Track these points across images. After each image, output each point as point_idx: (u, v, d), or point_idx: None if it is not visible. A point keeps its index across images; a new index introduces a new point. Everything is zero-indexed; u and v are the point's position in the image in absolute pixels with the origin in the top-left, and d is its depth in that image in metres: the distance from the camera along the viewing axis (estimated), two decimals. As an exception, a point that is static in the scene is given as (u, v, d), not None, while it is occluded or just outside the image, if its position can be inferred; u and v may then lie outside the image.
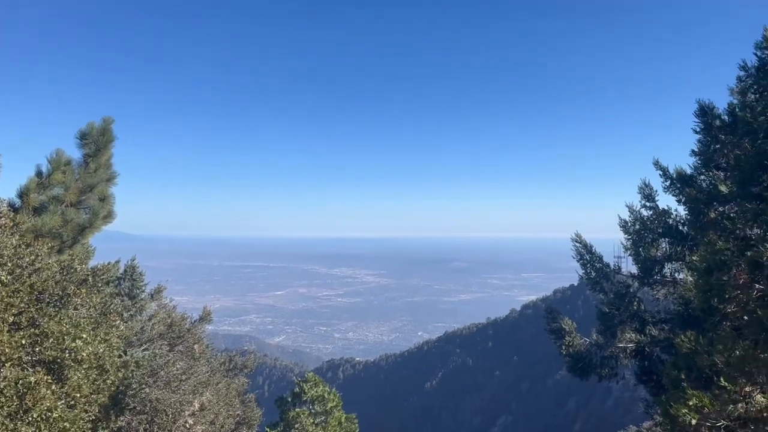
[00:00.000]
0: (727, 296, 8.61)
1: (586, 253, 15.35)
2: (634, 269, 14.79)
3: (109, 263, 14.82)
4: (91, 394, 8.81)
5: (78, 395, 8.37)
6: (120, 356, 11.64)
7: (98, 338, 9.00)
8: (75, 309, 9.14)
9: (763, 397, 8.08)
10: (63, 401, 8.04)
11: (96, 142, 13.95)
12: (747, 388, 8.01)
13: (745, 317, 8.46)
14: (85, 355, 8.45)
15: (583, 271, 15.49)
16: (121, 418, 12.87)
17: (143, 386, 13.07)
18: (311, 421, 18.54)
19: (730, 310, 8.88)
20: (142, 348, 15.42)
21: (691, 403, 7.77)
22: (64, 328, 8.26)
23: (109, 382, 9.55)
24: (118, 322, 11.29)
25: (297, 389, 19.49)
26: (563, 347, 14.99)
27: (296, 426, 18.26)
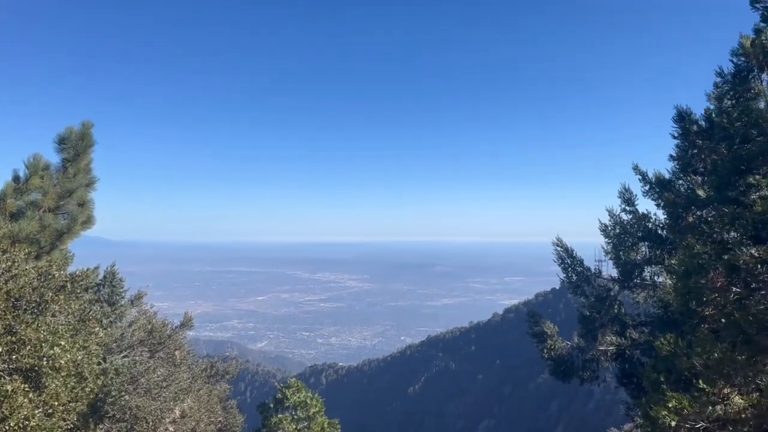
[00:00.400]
0: (705, 299, 8.72)
1: (567, 257, 15.48)
2: (614, 273, 14.95)
3: (88, 269, 14.62)
4: (70, 402, 8.68)
5: (56, 403, 8.24)
6: (99, 363, 11.48)
7: (77, 345, 8.87)
8: (53, 316, 9.00)
9: (741, 399, 8.19)
10: (41, 410, 7.91)
11: (75, 146, 13.77)
12: (725, 390, 8.12)
13: (723, 320, 8.57)
14: (63, 362, 8.32)
15: (565, 275, 15.62)
16: (100, 427, 12.69)
17: (123, 393, 12.90)
18: (294, 427, 18.44)
19: (708, 313, 9.00)
20: (122, 355, 15.23)
21: (670, 405, 7.85)
22: (42, 336, 8.13)
23: (87, 389, 9.41)
24: (97, 329, 11.14)
25: (279, 395, 19.38)
26: (545, 351, 15.08)
27: (279, 432, 18.16)
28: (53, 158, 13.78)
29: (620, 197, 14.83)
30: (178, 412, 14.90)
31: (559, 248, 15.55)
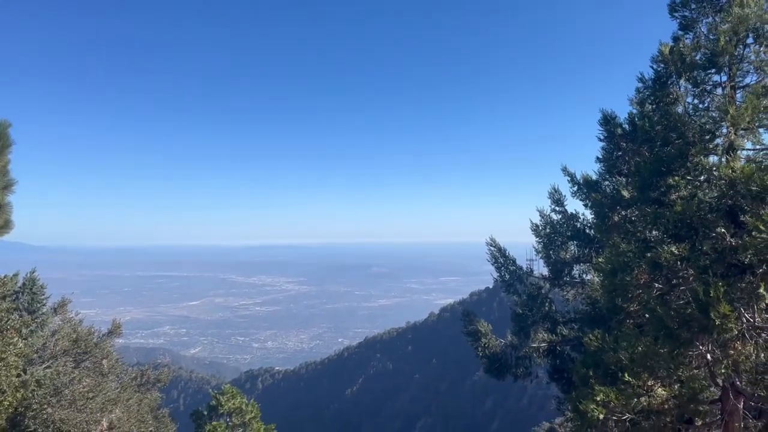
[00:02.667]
0: (629, 296, 9.07)
1: (500, 257, 15.79)
2: (545, 271, 15.34)
3: (5, 276, 13.85)
4: (-15, 417, 8.18)
5: (-31, 420, 7.75)
6: (18, 375, 10.88)
7: (-7, 357, 8.38)
8: (-34, 326, 8.46)
9: (664, 390, 8.56)
10: (-48, 427, 7.42)
11: (-10, 146, 13.00)
12: (649, 382, 8.46)
13: (647, 315, 8.93)
14: (-23, 376, 7.83)
15: (498, 274, 15.92)
16: (21, 442, 12.03)
17: (45, 406, 12.28)
18: (229, 434, 18.05)
19: (632, 309, 9.36)
20: (44, 366, 14.49)
21: (598, 399, 8.12)
22: (-47, 348, 7.63)
23: (6, 403, 8.90)
24: (16, 339, 10.55)
25: (213, 402, 18.92)
26: (480, 349, 15.31)
27: (213, 440, 17.72)
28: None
29: (550, 198, 15.25)
30: (105, 424, 14.30)
31: (492, 248, 15.84)
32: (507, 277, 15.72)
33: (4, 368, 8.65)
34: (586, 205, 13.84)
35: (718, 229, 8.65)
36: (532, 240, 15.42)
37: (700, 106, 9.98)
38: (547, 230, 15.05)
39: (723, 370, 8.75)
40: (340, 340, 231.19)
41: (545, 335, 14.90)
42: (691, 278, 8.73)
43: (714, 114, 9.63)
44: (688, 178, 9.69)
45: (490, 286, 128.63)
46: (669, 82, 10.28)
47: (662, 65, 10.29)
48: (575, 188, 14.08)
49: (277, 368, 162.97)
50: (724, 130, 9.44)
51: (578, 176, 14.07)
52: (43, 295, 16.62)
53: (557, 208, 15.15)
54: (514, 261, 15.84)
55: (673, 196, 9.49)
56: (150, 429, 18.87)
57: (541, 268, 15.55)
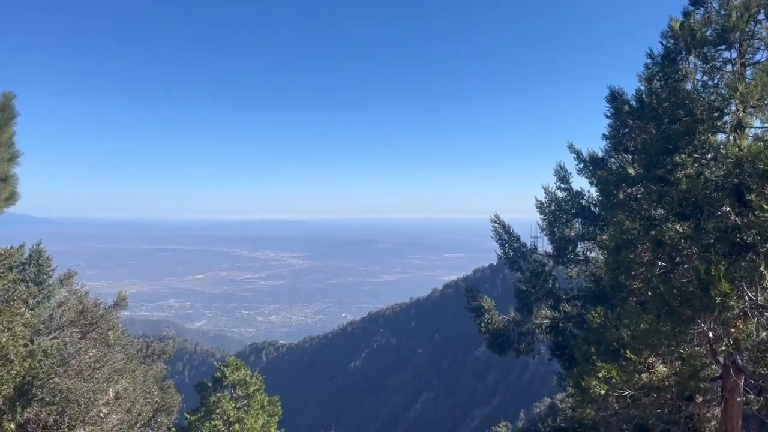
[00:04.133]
0: (633, 273, 9.09)
1: (504, 234, 15.81)
2: (549, 248, 15.37)
3: (11, 248, 13.95)
4: (-7, 386, 8.31)
5: (-22, 388, 7.87)
6: (25, 345, 11.02)
7: (0, 327, 8.47)
8: (-27, 296, 8.55)
9: (665, 367, 8.61)
10: (-39, 395, 7.54)
11: (-5, 118, 13.01)
12: (650, 359, 8.51)
13: (649, 293, 8.95)
14: (-15, 345, 7.94)
15: (502, 251, 15.96)
16: (28, 410, 12.21)
17: (52, 376, 12.42)
18: (233, 405, 18.26)
19: (635, 286, 9.38)
20: (51, 336, 14.65)
21: (600, 375, 8.17)
22: (-39, 317, 7.72)
23: (13, 372, 9.03)
24: (23, 309, 10.66)
25: (218, 374, 19.11)
26: (483, 325, 15.42)
27: (217, 411, 17.94)
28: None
29: (556, 175, 15.21)
30: (112, 394, 14.48)
31: (496, 225, 15.85)
32: (511, 254, 15.76)
33: (11, 338, 8.77)
34: (591, 183, 13.80)
35: (723, 208, 8.62)
36: (536, 217, 15.42)
37: (710, 83, 9.86)
38: (552, 207, 15.04)
39: (724, 348, 8.80)
40: (343, 314, 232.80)
41: (548, 312, 14.98)
42: (694, 257, 8.73)
43: (723, 91, 9.53)
44: (695, 156, 9.63)
45: (494, 263, 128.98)
46: (678, 59, 10.15)
47: (672, 41, 10.17)
48: (581, 165, 14.03)
49: (281, 342, 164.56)
50: (733, 108, 9.35)
51: (584, 153, 14.01)
52: (49, 266, 16.75)
53: (562, 186, 15.12)
54: (518, 238, 15.86)
55: (679, 174, 9.44)
56: (156, 399, 19.12)
57: (545, 246, 15.58)
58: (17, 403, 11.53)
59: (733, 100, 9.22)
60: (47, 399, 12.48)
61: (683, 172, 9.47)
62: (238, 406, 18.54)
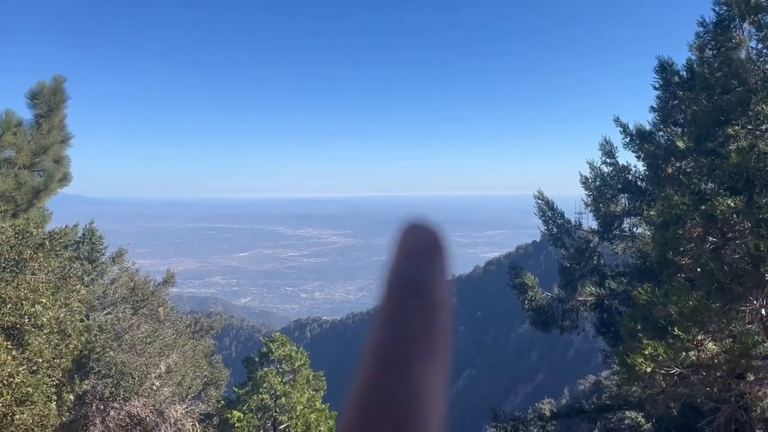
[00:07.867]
0: (681, 249, 8.88)
1: (548, 210, 15.62)
2: (594, 225, 15.14)
3: (66, 227, 14.47)
4: (54, 358, 8.70)
5: (40, 360, 8.26)
6: (82, 320, 11.48)
7: (58, 303, 8.85)
8: (32, 274, 8.93)
9: (714, 345, 8.44)
10: (25, 366, 7.92)
11: (47, 102, 13.42)
12: (699, 337, 8.35)
13: (698, 269, 8.75)
14: (45, 320, 8.31)
15: (546, 227, 15.79)
16: (86, 382, 12.77)
17: (107, 350, 12.96)
18: (279, 380, 18.71)
19: (684, 263, 9.18)
20: (105, 312, 15.23)
21: (646, 353, 8.07)
22: (22, 293, 8.09)
23: (71, 346, 9.43)
24: (79, 286, 11.09)
25: (264, 349, 19.58)
26: (526, 302, 15.35)
27: (264, 385, 18.42)
28: (25, 114, 13.44)
29: (601, 150, 14.90)
30: (163, 367, 15.02)
31: (540, 201, 15.67)
32: (555, 230, 15.58)
33: (69, 314, 9.15)
34: (638, 157, 13.49)
35: (779, 181, 8.33)
36: (580, 193, 15.16)
37: (765, 51, 9.47)
38: (597, 183, 14.77)
39: (778, 326, 8.57)
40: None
41: (593, 289, 14.80)
42: (746, 232, 8.48)
43: (779, 60, 9.15)
44: (749, 127, 9.30)
45: (537, 240, 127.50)
46: (732, 26, 9.78)
47: (725, 8, 9.78)
48: (627, 139, 13.71)
49: (324, 318, 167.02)
50: (790, 77, 8.97)
51: (631, 127, 13.68)
52: (102, 245, 17.35)
53: (608, 160, 14.81)
54: (562, 214, 15.66)
55: (732, 147, 9.14)
56: (205, 373, 19.73)
57: (589, 222, 15.35)
58: (76, 375, 12.07)
59: (790, 69, 8.85)
60: (103, 372, 13.03)
61: (736, 144, 9.16)
62: (284, 381, 18.97)
